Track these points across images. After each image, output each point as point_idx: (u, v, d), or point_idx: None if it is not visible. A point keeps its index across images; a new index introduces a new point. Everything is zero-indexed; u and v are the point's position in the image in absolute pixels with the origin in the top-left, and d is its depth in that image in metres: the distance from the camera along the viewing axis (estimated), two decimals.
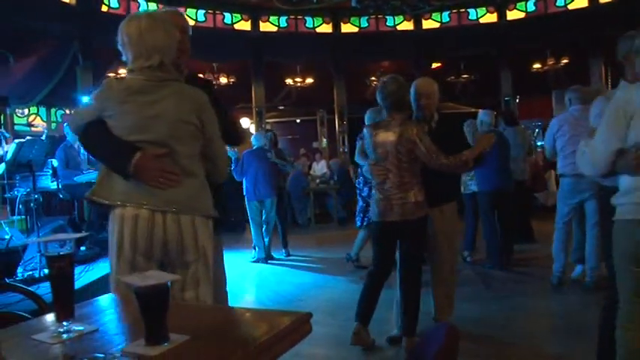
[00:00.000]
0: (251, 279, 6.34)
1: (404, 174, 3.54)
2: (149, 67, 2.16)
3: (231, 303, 4.39)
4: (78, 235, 1.74)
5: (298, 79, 13.79)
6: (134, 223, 2.09)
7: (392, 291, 3.80)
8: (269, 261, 7.22)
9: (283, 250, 7.57)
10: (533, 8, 12.32)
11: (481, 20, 12.66)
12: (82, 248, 5.68)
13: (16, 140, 5.53)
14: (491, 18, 12.59)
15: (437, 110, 3.86)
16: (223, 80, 13.10)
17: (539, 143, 10.84)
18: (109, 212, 2.17)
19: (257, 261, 7.21)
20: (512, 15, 12.48)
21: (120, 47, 2.24)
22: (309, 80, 13.82)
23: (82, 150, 6.65)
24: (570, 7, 11.95)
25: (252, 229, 7.30)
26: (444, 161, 3.46)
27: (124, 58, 2.25)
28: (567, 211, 4.93)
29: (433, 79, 3.98)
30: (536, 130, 12.29)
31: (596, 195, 4.20)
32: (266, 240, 7.27)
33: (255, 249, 7.32)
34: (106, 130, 2.16)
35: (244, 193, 7.27)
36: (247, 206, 7.29)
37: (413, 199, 3.52)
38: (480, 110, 6.51)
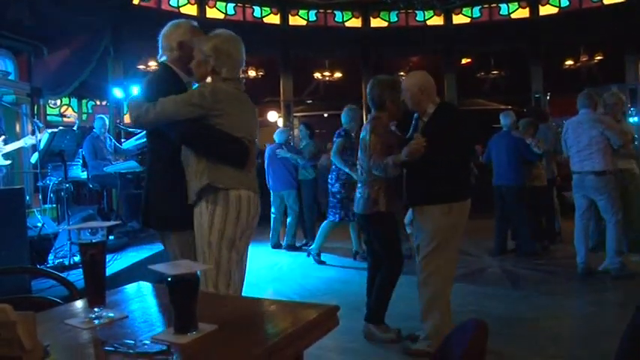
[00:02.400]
0: (276, 272, 6.36)
1: (366, 170, 3.62)
2: (236, 79, 2.68)
3: (256, 295, 4.41)
4: (110, 223, 1.79)
5: (327, 73, 13.78)
6: (248, 201, 2.58)
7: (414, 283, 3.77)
8: (290, 249, 7.53)
9: (304, 239, 7.77)
10: (567, 3, 12.06)
11: (513, 15, 12.45)
12: (111, 237, 5.76)
13: (49, 130, 5.62)
14: (523, 13, 12.37)
15: (440, 104, 3.47)
16: (252, 73, 13.15)
17: None
18: (216, 195, 2.52)
19: (274, 247, 7.63)
20: (545, 10, 12.23)
21: (208, 57, 2.62)
22: (338, 74, 13.79)
23: (107, 141, 6.78)
24: (606, 1, 11.65)
25: (271, 217, 7.70)
26: (369, 162, 3.50)
27: (212, 65, 2.62)
28: (579, 204, 5.33)
29: (423, 72, 3.57)
30: None
31: (610, 193, 5.00)
32: (288, 230, 7.62)
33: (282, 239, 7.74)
34: (212, 127, 2.52)
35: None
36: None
37: (370, 195, 3.60)
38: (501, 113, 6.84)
